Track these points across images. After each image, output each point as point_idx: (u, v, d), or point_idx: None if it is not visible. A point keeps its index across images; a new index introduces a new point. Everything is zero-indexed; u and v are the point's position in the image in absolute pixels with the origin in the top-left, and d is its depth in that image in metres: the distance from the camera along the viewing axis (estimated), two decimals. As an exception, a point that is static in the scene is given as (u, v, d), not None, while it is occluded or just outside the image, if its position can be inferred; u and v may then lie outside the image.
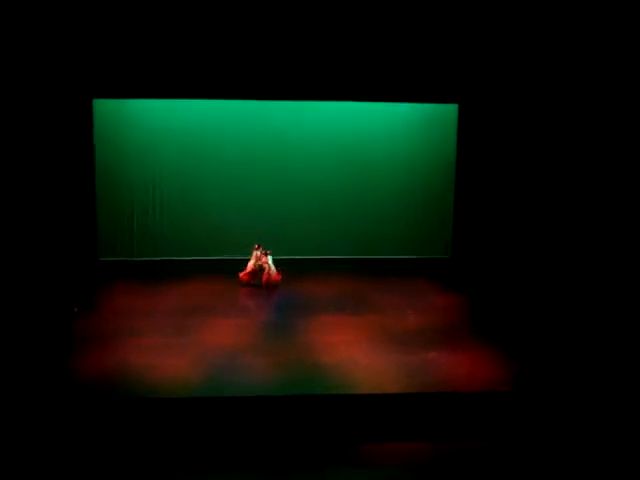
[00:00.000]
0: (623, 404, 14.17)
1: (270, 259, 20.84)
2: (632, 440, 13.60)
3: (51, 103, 18.92)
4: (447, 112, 22.52)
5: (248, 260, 20.97)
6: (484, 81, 19.43)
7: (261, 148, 22.82)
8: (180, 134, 22.44)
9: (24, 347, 15.70)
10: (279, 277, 20.73)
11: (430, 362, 15.95)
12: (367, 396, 14.34)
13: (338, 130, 22.86)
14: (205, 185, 22.68)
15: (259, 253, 20.82)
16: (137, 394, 14.35)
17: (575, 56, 17.48)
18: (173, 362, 15.66)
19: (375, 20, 17.57)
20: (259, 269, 20.72)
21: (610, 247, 17.20)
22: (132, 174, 22.44)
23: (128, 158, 22.27)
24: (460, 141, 22.51)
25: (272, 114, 22.63)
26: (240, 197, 22.85)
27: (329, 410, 14.07)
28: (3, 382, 14.17)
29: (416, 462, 13.44)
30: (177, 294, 19.73)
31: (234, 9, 17.47)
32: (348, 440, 13.86)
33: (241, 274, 20.88)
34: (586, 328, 16.75)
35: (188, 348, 16.47)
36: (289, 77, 19.17)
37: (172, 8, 17.24)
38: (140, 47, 17.96)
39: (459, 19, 17.59)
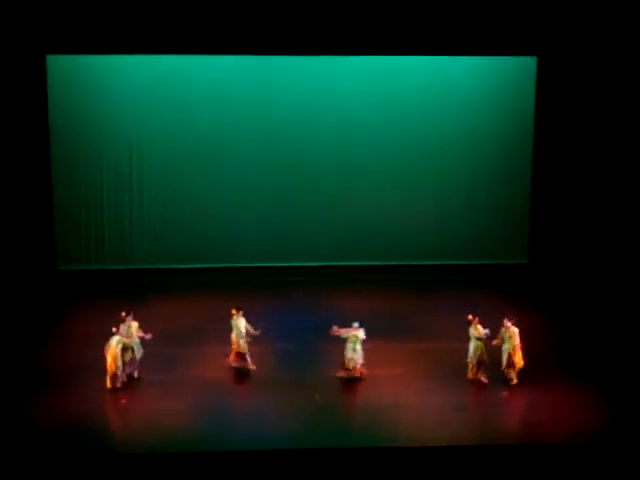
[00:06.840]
0: None
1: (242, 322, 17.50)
2: None
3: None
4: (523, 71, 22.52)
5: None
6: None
7: (276, 122, 22.52)
8: (166, 99, 22.25)
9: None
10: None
11: (502, 404, 15.95)
12: (417, 450, 14.21)
13: (378, 92, 22.55)
14: (197, 172, 22.66)
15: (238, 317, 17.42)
16: (114, 449, 14.51)
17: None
18: (160, 406, 15.82)
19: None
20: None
21: None
22: (101, 153, 22.31)
23: (95, 129, 22.22)
24: (538, 113, 22.67)
25: (287, 73, 22.62)
26: (244, 186, 22.72)
27: (366, 469, 13.93)
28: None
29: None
30: (160, 313, 19.78)
31: None
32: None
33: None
34: None
35: (177, 387, 16.57)
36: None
37: None
38: None
39: None
